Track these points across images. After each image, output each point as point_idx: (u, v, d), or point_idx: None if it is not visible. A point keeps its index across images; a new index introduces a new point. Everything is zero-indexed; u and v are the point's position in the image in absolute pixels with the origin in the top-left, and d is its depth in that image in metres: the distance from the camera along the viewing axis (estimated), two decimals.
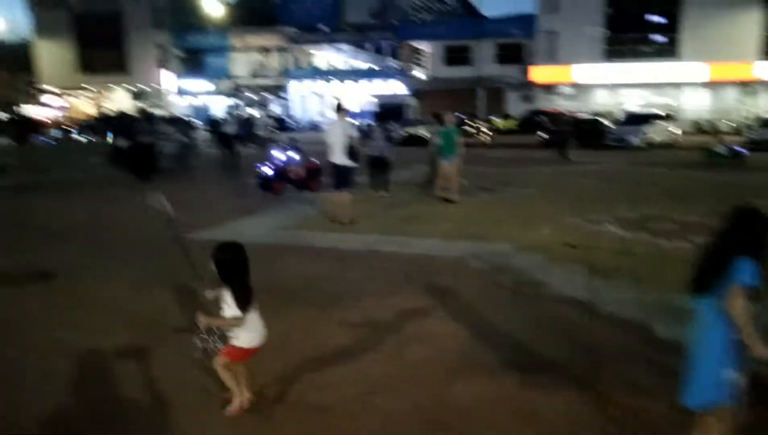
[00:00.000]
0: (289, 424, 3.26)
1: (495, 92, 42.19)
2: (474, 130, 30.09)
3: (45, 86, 51.05)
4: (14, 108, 16.38)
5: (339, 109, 8.96)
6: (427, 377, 3.78)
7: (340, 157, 8.68)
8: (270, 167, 11.76)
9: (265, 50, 47.42)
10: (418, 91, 43.67)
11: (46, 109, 49.46)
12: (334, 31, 47.24)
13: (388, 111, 32.76)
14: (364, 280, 5.96)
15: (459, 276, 6.11)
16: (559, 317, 4.89)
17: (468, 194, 11.58)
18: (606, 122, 28.21)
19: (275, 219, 9.24)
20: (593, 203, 10.59)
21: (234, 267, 3.14)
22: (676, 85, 36.49)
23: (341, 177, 8.78)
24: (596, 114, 31.61)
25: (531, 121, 34.66)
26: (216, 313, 3.21)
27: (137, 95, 46.78)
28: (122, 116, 16.92)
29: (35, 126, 12.96)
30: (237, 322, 3.13)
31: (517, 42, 41.80)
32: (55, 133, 33.63)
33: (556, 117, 26.13)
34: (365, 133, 11.68)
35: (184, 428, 3.25)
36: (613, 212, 9.55)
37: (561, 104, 38.50)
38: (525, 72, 41.11)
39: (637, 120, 26.32)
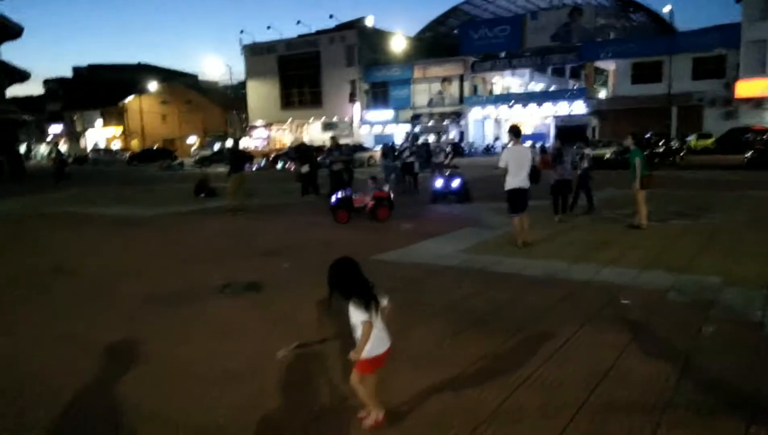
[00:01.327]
0: None
1: (689, 110, 38.45)
2: (663, 151, 27.59)
3: (253, 121, 58.16)
4: (230, 141, 18.85)
5: (515, 133, 8.91)
6: (626, 417, 3.50)
7: (516, 181, 8.64)
8: (334, 196, 12.08)
9: (445, 79, 48.74)
10: (601, 111, 41.46)
11: (254, 140, 56.25)
12: (515, 56, 46.93)
13: (569, 132, 31.54)
14: (550, 308, 5.75)
15: (657, 310, 5.60)
16: None
17: (662, 220, 10.66)
18: None
19: (456, 242, 9.34)
20: None
21: (346, 277, 3.27)
22: None
23: (516, 200, 8.72)
24: None
25: (732, 140, 30.96)
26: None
27: (328, 126, 50.95)
28: (302, 145, 18.69)
29: (246, 156, 14.77)
30: (369, 327, 3.22)
31: (717, 55, 37.76)
32: (260, 161, 37.95)
33: None
34: (555, 155, 11.35)
35: None
36: None
37: None
38: (727, 86, 36.94)
39: None
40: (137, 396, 3.96)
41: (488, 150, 45.30)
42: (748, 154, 24.61)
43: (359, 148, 38.24)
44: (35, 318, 5.84)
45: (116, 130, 67.44)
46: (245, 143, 50.37)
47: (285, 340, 5.00)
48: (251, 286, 6.82)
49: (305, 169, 16.52)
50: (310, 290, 6.38)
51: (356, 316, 3.24)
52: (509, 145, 9.06)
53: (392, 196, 12.38)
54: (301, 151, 17.85)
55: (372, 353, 3.31)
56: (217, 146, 49.92)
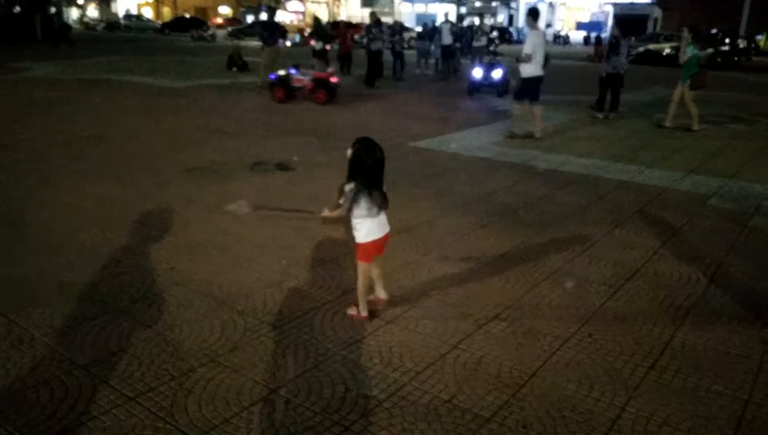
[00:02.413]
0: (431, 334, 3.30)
1: (765, 5, 35.11)
2: (729, 50, 25.68)
3: None
4: (264, 12, 17.91)
5: (534, 16, 8.60)
6: (650, 317, 3.50)
7: (538, 68, 8.48)
8: (274, 75, 11.75)
9: None
10: (667, 1, 38.27)
11: (288, 14, 54.13)
12: None
13: (628, 23, 29.44)
14: (586, 206, 5.64)
15: (697, 214, 5.44)
16: None
17: (716, 124, 10.13)
18: None
19: (494, 134, 9.08)
20: None
21: (363, 160, 3.10)
22: None
23: (538, 88, 8.63)
24: None
25: None
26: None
27: (367, 2, 48.52)
28: (317, 21, 17.78)
29: (280, 29, 14.17)
30: (340, 211, 3.24)
31: None
32: (294, 37, 36.66)
33: None
34: (611, 45, 10.60)
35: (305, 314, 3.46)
36: None
37: None
38: None
39: None
40: (172, 260, 4.11)
41: None
42: None
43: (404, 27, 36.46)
44: (73, 182, 6.00)
45: None
46: (279, 17, 48.55)
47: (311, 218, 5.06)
48: (281, 166, 6.83)
49: (319, 45, 15.92)
50: (338, 173, 6.36)
51: (344, 195, 3.15)
52: (532, 30, 8.65)
53: (335, 79, 11.88)
54: (315, 28, 17.01)
55: (369, 238, 3.25)
56: (250, 18, 48.27)
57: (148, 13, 62.53)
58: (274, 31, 13.85)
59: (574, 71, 21.22)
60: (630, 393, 2.78)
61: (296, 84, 11.67)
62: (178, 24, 47.56)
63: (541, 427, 2.53)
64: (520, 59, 8.54)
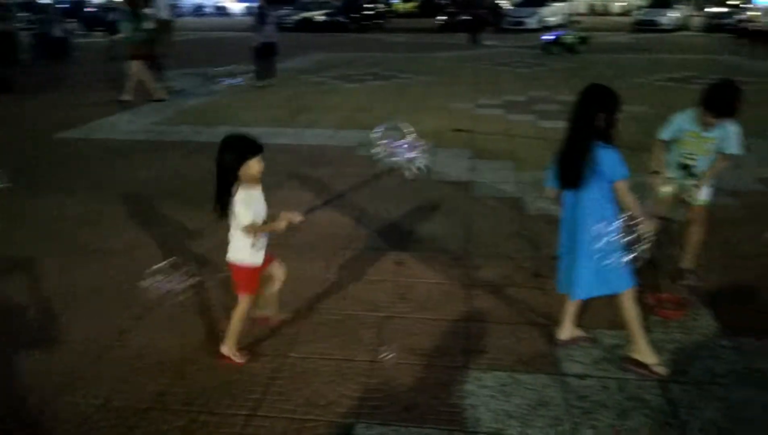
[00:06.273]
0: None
1: None
2: (373, 14, 28.95)
3: None
4: None
5: None
6: (307, 261, 3.83)
7: None
8: None
9: None
10: None
11: None
12: None
13: None
14: None
15: (347, 165, 6.08)
16: (441, 198, 5.05)
17: (361, 82, 11.39)
18: (504, 4, 28.14)
19: (150, 114, 8.62)
20: (486, 88, 10.77)
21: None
22: None
23: None
24: None
25: (432, 4, 33.84)
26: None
27: None
28: None
29: None
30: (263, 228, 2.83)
31: None
32: None
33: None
34: (257, 18, 10.80)
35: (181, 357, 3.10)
36: (504, 96, 9.79)
37: None
38: None
39: (534, 2, 25.64)
40: None
41: (199, 10, 41.83)
42: (441, 18, 27.05)
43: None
44: None
45: None
46: None
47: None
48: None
49: None
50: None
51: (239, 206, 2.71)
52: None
53: None
54: None
55: (258, 258, 2.88)
56: None
57: None
58: None
59: (235, 42, 21.12)
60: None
61: None
62: None
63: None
64: None
